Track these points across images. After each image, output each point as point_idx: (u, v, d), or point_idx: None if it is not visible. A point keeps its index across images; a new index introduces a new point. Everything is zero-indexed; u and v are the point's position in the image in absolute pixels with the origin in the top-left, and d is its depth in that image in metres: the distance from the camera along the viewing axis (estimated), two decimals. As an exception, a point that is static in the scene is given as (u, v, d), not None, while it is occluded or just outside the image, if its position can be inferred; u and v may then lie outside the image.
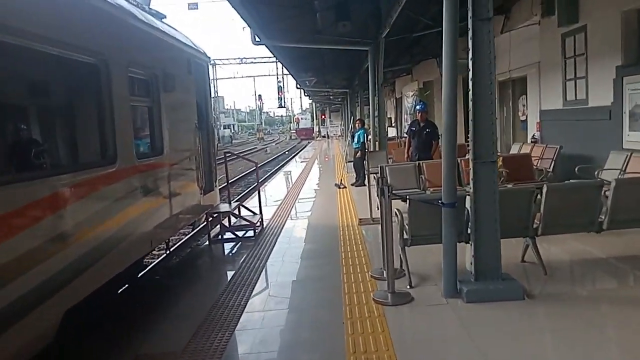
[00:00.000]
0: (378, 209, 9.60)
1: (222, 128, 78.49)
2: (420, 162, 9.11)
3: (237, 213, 8.78)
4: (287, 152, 42.75)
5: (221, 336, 4.38)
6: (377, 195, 9.26)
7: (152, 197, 5.84)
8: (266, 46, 14.38)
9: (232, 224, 8.54)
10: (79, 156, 4.72)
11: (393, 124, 31.16)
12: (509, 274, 5.01)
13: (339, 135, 48.71)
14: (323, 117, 59.99)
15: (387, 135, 18.10)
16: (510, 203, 5.27)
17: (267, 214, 9.94)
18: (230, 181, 20.09)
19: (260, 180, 21.39)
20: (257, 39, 13.56)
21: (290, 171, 21.52)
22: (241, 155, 11.26)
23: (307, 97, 55.19)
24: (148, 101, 6.15)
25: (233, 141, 75.68)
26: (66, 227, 3.99)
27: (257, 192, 9.28)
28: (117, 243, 4.85)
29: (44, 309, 3.66)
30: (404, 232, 5.46)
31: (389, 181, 8.97)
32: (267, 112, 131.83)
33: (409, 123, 11.45)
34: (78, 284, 4.08)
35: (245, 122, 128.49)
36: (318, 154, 31.74)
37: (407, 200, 5.22)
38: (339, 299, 5.04)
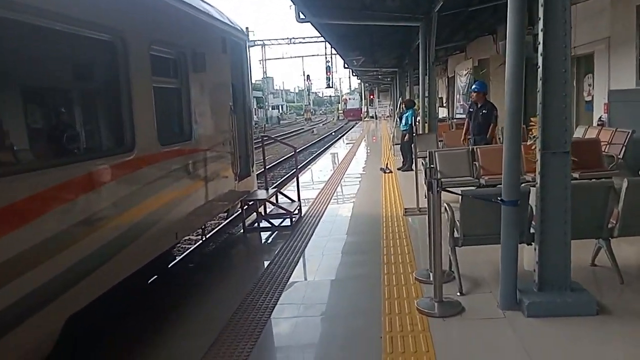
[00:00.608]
0: (425, 197, 8.93)
1: (270, 109, 78.78)
2: (475, 147, 8.30)
3: (274, 201, 8.30)
4: (333, 133, 42.12)
5: (241, 349, 3.89)
6: (425, 183, 8.62)
7: (178, 186, 5.40)
8: (311, 24, 13.72)
9: (268, 211, 8.07)
10: (83, 145, 4.25)
11: (444, 104, 29.92)
12: (578, 283, 4.28)
13: (387, 116, 47.58)
14: (372, 97, 58.81)
15: (438, 116, 17.21)
16: (582, 199, 4.50)
17: (307, 201, 9.43)
18: (271, 165, 19.85)
19: (304, 163, 21.18)
20: (302, 16, 12.92)
21: (335, 153, 20.94)
22: (279, 139, 10.74)
23: (356, 77, 54.11)
24: (175, 83, 5.69)
25: (281, 122, 75.88)
26: (65, 224, 3.56)
27: (295, 178, 8.72)
28: (132, 239, 4.43)
29: (44, 315, 3.27)
30: (455, 230, 4.79)
31: (438, 167, 8.29)
32: (315, 93, 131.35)
33: (469, 104, 10.54)
34: (83, 287, 3.68)
35: (294, 102, 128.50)
36: (365, 135, 30.97)
37: (461, 197, 4.53)
38: (377, 306, 4.46)
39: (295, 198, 8.61)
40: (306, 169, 15.91)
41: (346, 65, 31.06)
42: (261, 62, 68.55)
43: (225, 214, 7.77)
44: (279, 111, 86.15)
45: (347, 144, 24.99)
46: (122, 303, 4.82)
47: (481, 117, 9.55)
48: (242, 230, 7.88)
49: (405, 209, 8.11)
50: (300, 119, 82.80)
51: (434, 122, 13.50)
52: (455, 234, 4.80)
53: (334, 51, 47.33)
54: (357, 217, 8.23)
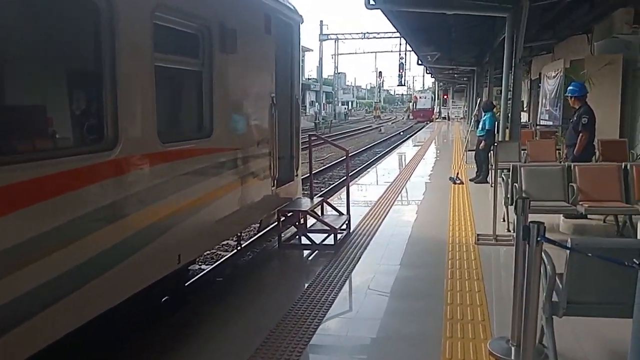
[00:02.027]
0: (504, 220, 7.35)
1: (339, 104, 77.63)
2: (572, 164, 6.61)
3: (317, 212, 7.01)
4: (402, 133, 40.33)
5: None
6: (504, 204, 7.02)
7: (185, 195, 4.23)
8: (382, 11, 12.29)
9: (311, 225, 6.79)
10: (30, 139, 3.08)
11: (525, 109, 27.44)
12: None
13: (461, 118, 45.06)
14: (445, 97, 56.19)
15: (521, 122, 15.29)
16: None
17: (359, 213, 8.07)
18: (324, 167, 18.48)
19: (365, 165, 19.71)
20: (372, 2, 11.54)
21: (400, 155, 19.37)
22: (330, 140, 9.37)
23: (430, 75, 51.80)
24: (192, 64, 4.52)
25: (348, 118, 74.53)
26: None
27: (346, 187, 7.38)
28: (113, 264, 3.30)
29: None
30: (554, 292, 3.30)
31: (524, 186, 6.69)
32: (387, 90, 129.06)
33: None
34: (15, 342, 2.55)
35: (365, 99, 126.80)
36: (436, 137, 29.08)
37: (569, 250, 3.01)
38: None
39: (344, 210, 7.26)
40: (365, 172, 14.52)
41: (420, 62, 29.22)
42: (333, 56, 67.32)
43: (259, 224, 6.56)
44: (347, 107, 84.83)
45: (414, 145, 23.29)
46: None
47: (572, 124, 7.81)
48: (277, 245, 6.65)
49: (478, 235, 6.57)
50: (370, 116, 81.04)
51: (517, 129, 11.71)
52: (555, 298, 3.30)
53: (408, 48, 45.37)
54: (416, 240, 6.77)
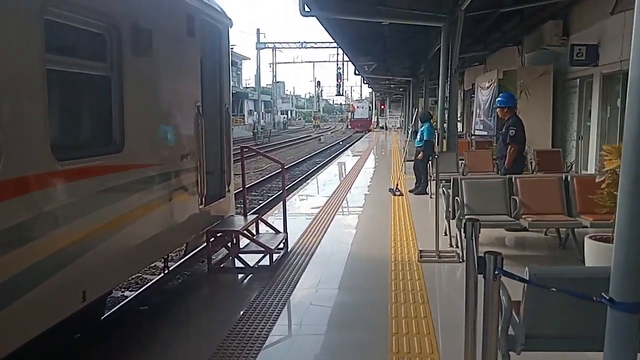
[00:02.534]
0: (445, 234, 7.10)
1: (279, 113, 77.14)
2: (513, 177, 6.43)
3: (252, 231, 6.48)
4: (341, 142, 40.35)
5: None
6: (446, 217, 6.75)
7: (90, 221, 3.60)
8: (317, 18, 11.97)
9: (244, 246, 6.25)
10: None
11: (459, 119, 28.04)
12: None
13: (398, 127, 45.78)
14: (382, 107, 57.03)
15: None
16: None
17: (297, 230, 7.59)
18: (263, 178, 17.90)
19: (304, 176, 19.25)
20: (307, 8, 11.20)
21: (339, 165, 19.10)
22: (263, 153, 8.85)
23: (367, 85, 52.40)
24: (98, 68, 3.90)
25: (288, 127, 74.20)
26: None
27: (282, 203, 6.88)
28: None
29: None
30: (511, 326, 2.94)
31: (465, 200, 6.45)
32: (326, 100, 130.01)
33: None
34: None
35: (304, 108, 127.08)
36: (374, 146, 29.16)
37: (525, 283, 2.63)
38: None
39: (282, 227, 6.76)
40: (304, 184, 14.10)
41: (357, 72, 29.36)
42: (271, 65, 66.89)
43: (185, 248, 5.94)
44: (286, 117, 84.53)
45: (353, 155, 23.13)
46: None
47: (501, 136, 7.68)
48: (206, 269, 6.05)
49: (421, 252, 6.25)
50: (309, 125, 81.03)
51: (454, 139, 11.68)
52: (511, 331, 2.95)
53: (346, 58, 45.64)
54: (357, 258, 6.37)
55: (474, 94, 22.85)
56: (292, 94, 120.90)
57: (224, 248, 6.21)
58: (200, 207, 5.64)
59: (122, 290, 6.76)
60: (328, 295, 5.12)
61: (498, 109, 7.77)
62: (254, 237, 6.37)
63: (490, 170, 10.44)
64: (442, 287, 5.22)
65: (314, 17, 11.53)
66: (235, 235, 5.95)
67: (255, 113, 64.20)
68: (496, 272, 2.34)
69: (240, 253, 6.00)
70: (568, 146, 14.49)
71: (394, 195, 10.74)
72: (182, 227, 5.18)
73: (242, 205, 6.96)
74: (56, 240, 3.25)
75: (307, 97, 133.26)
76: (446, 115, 11.87)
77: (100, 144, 4.01)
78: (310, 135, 52.12)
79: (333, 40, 21.83)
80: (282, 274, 5.68)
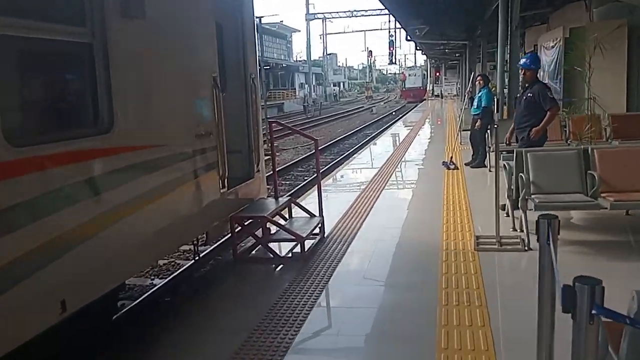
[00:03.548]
0: (507, 215, 6.14)
1: (330, 85, 76.02)
2: (591, 148, 5.37)
3: (284, 215, 5.79)
4: (394, 113, 39.05)
5: None
6: (508, 196, 5.80)
7: (69, 217, 2.99)
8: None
9: (274, 232, 5.57)
10: None
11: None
12: None
13: (454, 95, 43.70)
14: (437, 74, 54.62)
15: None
16: None
17: (338, 211, 6.85)
18: (306, 155, 17.08)
19: (352, 150, 18.30)
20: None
21: (390, 139, 18.10)
22: (293, 129, 8.02)
23: (421, 52, 50.28)
24: (75, 33, 3.24)
25: (340, 99, 73.02)
26: None
27: (317, 185, 6.12)
28: None
29: None
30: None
31: (531, 177, 5.47)
32: (379, 70, 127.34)
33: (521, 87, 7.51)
34: None
35: (357, 79, 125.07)
36: (429, 115, 27.79)
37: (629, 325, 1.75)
38: None
39: (316, 212, 6.03)
40: (351, 159, 13.27)
41: (409, 37, 27.80)
42: (321, 36, 65.56)
43: (204, 238, 5.32)
44: (338, 88, 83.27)
45: (405, 127, 22.00)
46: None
47: (525, 103, 6.36)
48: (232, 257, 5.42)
49: (478, 237, 5.36)
50: (362, 96, 79.48)
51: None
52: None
53: (397, 25, 43.77)
54: (403, 247, 5.55)
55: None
56: (344, 65, 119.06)
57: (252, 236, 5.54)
58: (221, 191, 4.99)
59: (151, 277, 6.32)
60: (364, 294, 4.38)
61: (524, 71, 6.54)
62: (286, 223, 5.69)
63: (558, 139, 9.22)
64: (504, 285, 4.34)
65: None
66: (264, 222, 5.26)
67: (306, 86, 63.42)
68: (593, 312, 1.49)
69: (270, 242, 5.32)
70: (647, 107, 12.89)
71: (448, 169, 9.76)
72: (197, 216, 4.54)
73: (274, 187, 6.22)
74: (19, 243, 2.66)
75: (360, 67, 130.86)
76: (506, 80, 10.65)
77: (79, 124, 3.38)
78: (362, 107, 50.89)
79: (383, 6, 20.62)
80: (315, 266, 4.97)
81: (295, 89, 62.82)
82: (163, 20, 3.98)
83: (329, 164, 15.21)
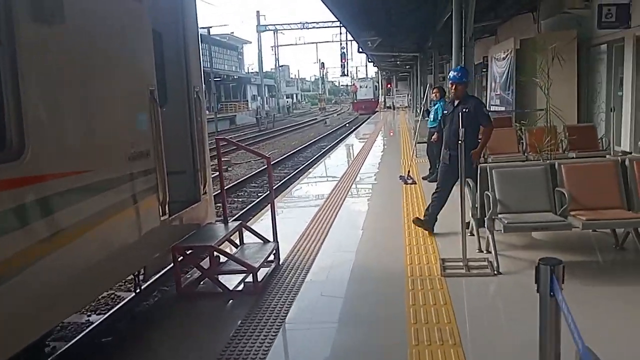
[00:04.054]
0: (471, 234, 5.83)
1: (283, 97, 75.70)
2: (556, 163, 5.12)
3: (232, 243, 5.27)
4: (347, 125, 39.02)
5: None
6: (472, 215, 5.48)
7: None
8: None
9: (222, 261, 5.03)
10: None
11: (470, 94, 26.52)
12: None
13: (405, 106, 44.16)
14: (389, 86, 55.17)
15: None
16: None
17: (293, 233, 6.38)
18: (259, 170, 16.49)
19: (309, 162, 17.88)
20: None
21: (344, 152, 17.80)
22: (242, 146, 7.45)
23: (372, 64, 50.71)
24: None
25: (293, 111, 72.79)
26: None
27: (270, 207, 5.62)
28: None
29: None
30: None
31: (497, 194, 5.18)
32: (332, 82, 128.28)
33: (447, 103, 6.77)
34: None
35: (310, 91, 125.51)
36: (382, 127, 27.79)
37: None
38: None
39: (269, 236, 5.53)
40: (306, 174, 12.84)
41: (360, 49, 27.89)
42: (273, 48, 65.21)
43: (142, 273, 4.70)
44: (291, 100, 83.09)
45: (359, 139, 21.82)
46: None
47: (459, 118, 5.56)
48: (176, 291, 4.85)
49: (443, 261, 5.01)
50: (315, 108, 79.53)
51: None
52: None
53: (350, 37, 43.89)
54: (364, 274, 5.10)
55: (484, 69, 21.39)
56: (297, 77, 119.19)
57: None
58: (162, 218, 4.43)
59: (87, 313, 5.67)
60: (325, 335, 3.90)
61: (454, 85, 5.98)
62: (237, 251, 5.17)
63: (515, 151, 9.14)
64: (476, 315, 3.98)
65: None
66: (210, 251, 4.72)
67: (258, 98, 62.83)
68: None
69: (219, 274, 4.78)
70: (596, 119, 13.11)
71: (406, 183, 9.48)
72: (131, 250, 3.97)
73: (222, 210, 5.68)
74: None
75: (313, 79, 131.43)
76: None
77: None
78: (316, 119, 50.75)
79: (335, 18, 20.42)
80: (269, 299, 4.47)
81: (247, 101, 62.13)
82: (88, 26, 3.43)
83: (284, 178, 14.75)
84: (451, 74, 6.14)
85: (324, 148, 22.86)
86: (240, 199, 12.14)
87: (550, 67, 7.13)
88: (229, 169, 16.51)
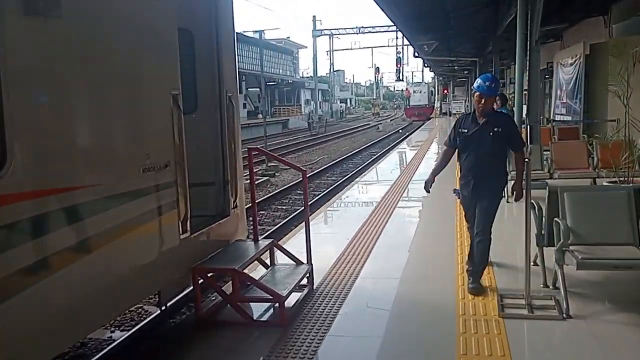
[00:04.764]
0: (535, 263, 5.04)
1: (337, 102, 75.40)
2: (642, 187, 4.32)
3: (262, 263, 4.77)
4: (400, 131, 38.13)
5: None
6: (537, 244, 4.73)
7: None
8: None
9: (249, 288, 4.52)
10: None
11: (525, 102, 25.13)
12: None
13: (462, 112, 42.69)
14: (445, 91, 53.63)
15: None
16: None
17: (330, 255, 5.81)
18: (314, 172, 15.80)
19: (358, 169, 17.18)
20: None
21: (394, 162, 17.07)
22: (276, 156, 6.64)
23: (428, 69, 49.43)
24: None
25: (346, 116, 72.32)
26: None
27: (305, 226, 5.07)
28: None
29: None
30: None
31: (569, 222, 4.40)
32: (387, 87, 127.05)
33: (463, 114, 5.46)
34: None
35: (364, 96, 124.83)
36: (437, 134, 26.81)
37: None
38: None
39: (304, 258, 4.98)
40: (352, 183, 12.24)
41: (417, 54, 26.98)
42: (328, 53, 64.91)
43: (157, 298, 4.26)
44: (345, 105, 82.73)
45: (411, 147, 21.01)
46: None
47: (490, 141, 4.49)
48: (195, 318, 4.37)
49: (502, 297, 4.31)
50: (368, 113, 78.79)
51: (537, 127, 9.42)
52: None
53: (405, 42, 42.88)
54: (408, 309, 4.44)
55: (547, 75, 20.13)
56: (351, 81, 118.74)
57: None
58: (182, 237, 3.98)
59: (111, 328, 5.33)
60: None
61: (482, 98, 4.49)
62: (266, 273, 4.67)
63: (584, 167, 8.21)
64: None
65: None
66: (234, 275, 4.23)
67: (312, 102, 62.72)
68: None
69: (241, 301, 4.28)
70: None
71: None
72: (140, 275, 3.52)
73: (253, 227, 5.17)
74: None
75: (368, 84, 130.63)
76: (525, 99, 9.68)
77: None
78: (368, 124, 50.03)
79: (391, 22, 19.74)
80: (298, 333, 3.94)
81: (300, 105, 62.14)
82: (92, 21, 3.01)
83: (331, 185, 14.24)
84: (478, 82, 4.56)
85: (374, 154, 22.20)
86: (284, 207, 11.72)
87: (631, 75, 6.23)
88: (276, 174, 16.15)
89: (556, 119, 15.29)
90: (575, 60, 13.86)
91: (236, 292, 4.19)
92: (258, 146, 5.11)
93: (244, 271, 4.28)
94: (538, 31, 9.14)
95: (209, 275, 4.27)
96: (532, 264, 4.74)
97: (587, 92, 13.10)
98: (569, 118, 14.07)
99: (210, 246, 4.53)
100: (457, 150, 4.78)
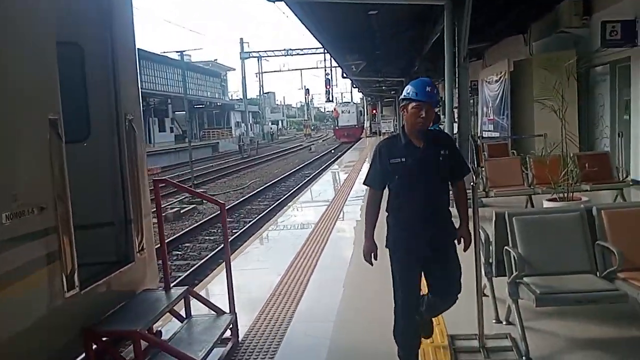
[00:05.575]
0: (484, 293, 4.51)
1: (268, 124, 74.84)
2: (594, 208, 3.97)
3: (176, 314, 4.02)
4: (333, 151, 38.09)
5: None
6: (486, 274, 4.27)
7: None
8: (286, 3, 9.58)
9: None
10: None
11: (456, 120, 25.69)
12: None
13: (392, 132, 43.31)
14: (374, 111, 54.42)
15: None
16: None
17: (259, 297, 5.11)
18: (241, 199, 14.94)
19: (289, 194, 16.50)
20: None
21: (326, 184, 16.63)
22: (188, 189, 5.93)
23: (357, 89, 50.02)
24: None
25: (278, 137, 71.95)
26: None
27: (225, 267, 4.35)
28: None
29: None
30: None
31: (520, 249, 3.94)
32: (317, 108, 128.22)
33: (385, 139, 3.55)
34: None
35: (295, 117, 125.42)
36: (368, 154, 26.73)
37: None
38: None
39: (225, 306, 4.27)
40: (285, 208, 11.61)
41: (345, 74, 27.00)
42: (257, 75, 64.41)
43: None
44: (276, 127, 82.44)
45: (344, 167, 20.72)
46: None
47: (440, 167, 3.23)
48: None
49: (452, 338, 3.80)
50: (300, 134, 78.80)
51: (466, 145, 9.22)
52: None
53: (334, 63, 43.02)
54: (344, 356, 3.87)
55: (471, 93, 20.58)
56: (282, 103, 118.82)
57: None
58: (67, 294, 3.17)
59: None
60: None
61: (424, 109, 3.16)
62: (180, 328, 3.91)
63: (520, 184, 8.03)
64: None
65: (283, 2, 9.15)
66: (136, 338, 3.45)
67: (242, 125, 61.83)
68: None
69: (148, 365, 3.50)
70: (599, 145, 12.16)
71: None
72: (14, 344, 2.71)
73: (164, 274, 4.39)
74: None
75: (299, 105, 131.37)
76: (455, 116, 9.51)
77: None
78: (301, 145, 49.75)
79: (319, 44, 19.49)
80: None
81: (231, 127, 61.02)
82: None
83: (263, 211, 13.58)
84: (412, 89, 3.23)
85: (307, 176, 21.76)
86: (212, 237, 10.91)
87: (572, 87, 6.06)
88: (204, 201, 15.24)
89: (484, 135, 15.45)
90: (501, 77, 14.07)
91: (140, 356, 3.41)
92: (177, 174, 4.43)
93: (150, 331, 3.51)
94: (466, 48, 9.00)
95: (103, 339, 3.46)
96: (482, 294, 4.30)
97: (513, 109, 13.26)
98: (497, 134, 14.20)
99: (110, 300, 3.72)
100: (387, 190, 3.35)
